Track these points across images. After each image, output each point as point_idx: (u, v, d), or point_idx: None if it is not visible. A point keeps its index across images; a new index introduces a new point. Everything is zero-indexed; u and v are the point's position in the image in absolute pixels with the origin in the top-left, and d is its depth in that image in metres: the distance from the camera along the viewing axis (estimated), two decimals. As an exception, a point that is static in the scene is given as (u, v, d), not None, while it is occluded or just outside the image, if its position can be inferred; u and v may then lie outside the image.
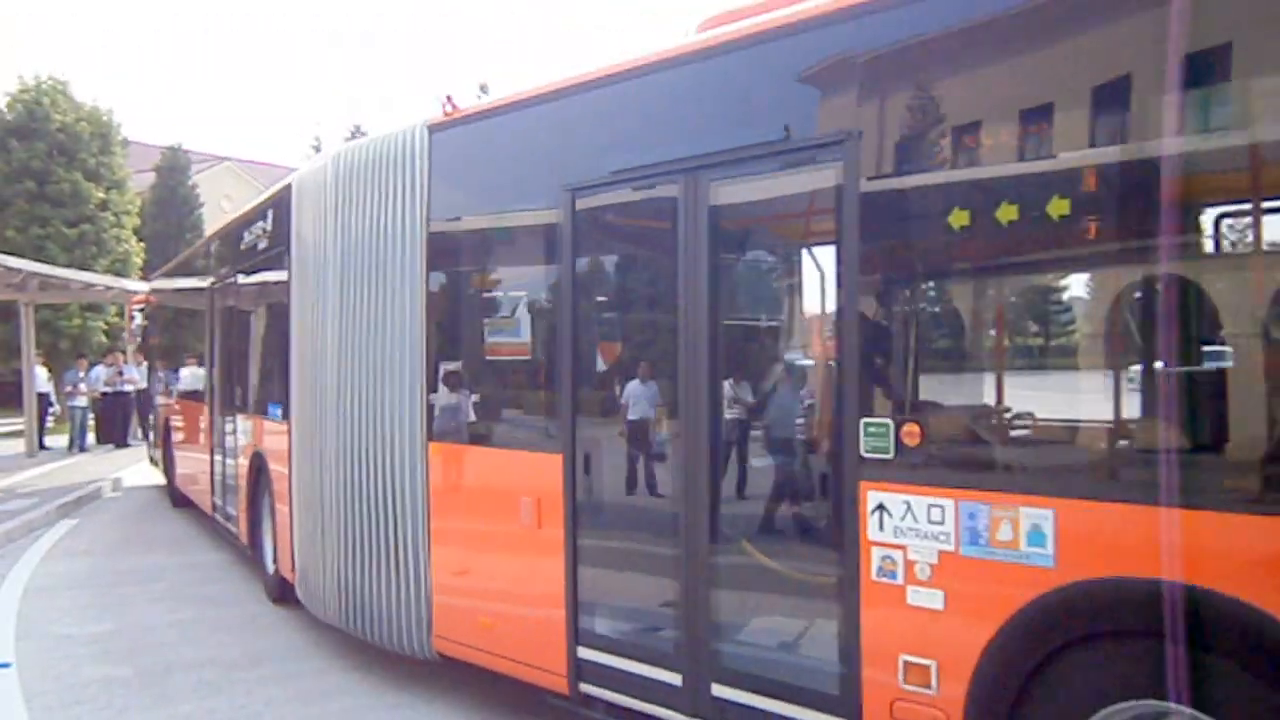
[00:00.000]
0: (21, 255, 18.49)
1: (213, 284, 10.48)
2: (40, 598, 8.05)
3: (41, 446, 18.38)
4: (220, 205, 37.51)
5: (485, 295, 5.73)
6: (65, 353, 23.87)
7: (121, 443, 19.36)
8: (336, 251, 6.17)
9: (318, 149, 34.79)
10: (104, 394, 19.28)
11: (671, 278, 4.31)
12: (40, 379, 18.99)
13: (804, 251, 4.42)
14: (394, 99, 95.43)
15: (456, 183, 5.52)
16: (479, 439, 5.49)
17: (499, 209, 5.38)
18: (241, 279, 9.17)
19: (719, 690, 4.13)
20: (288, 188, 7.17)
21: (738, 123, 4.08)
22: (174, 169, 35.22)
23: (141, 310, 16.28)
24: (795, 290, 4.54)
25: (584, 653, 4.69)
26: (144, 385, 20.65)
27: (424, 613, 5.56)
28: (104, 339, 25.36)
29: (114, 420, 19.58)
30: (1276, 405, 2.90)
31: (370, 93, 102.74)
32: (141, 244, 28.64)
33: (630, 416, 4.87)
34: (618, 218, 4.84)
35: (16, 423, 19.00)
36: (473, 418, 5.57)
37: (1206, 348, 3.17)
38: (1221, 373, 3.11)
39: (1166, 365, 3.03)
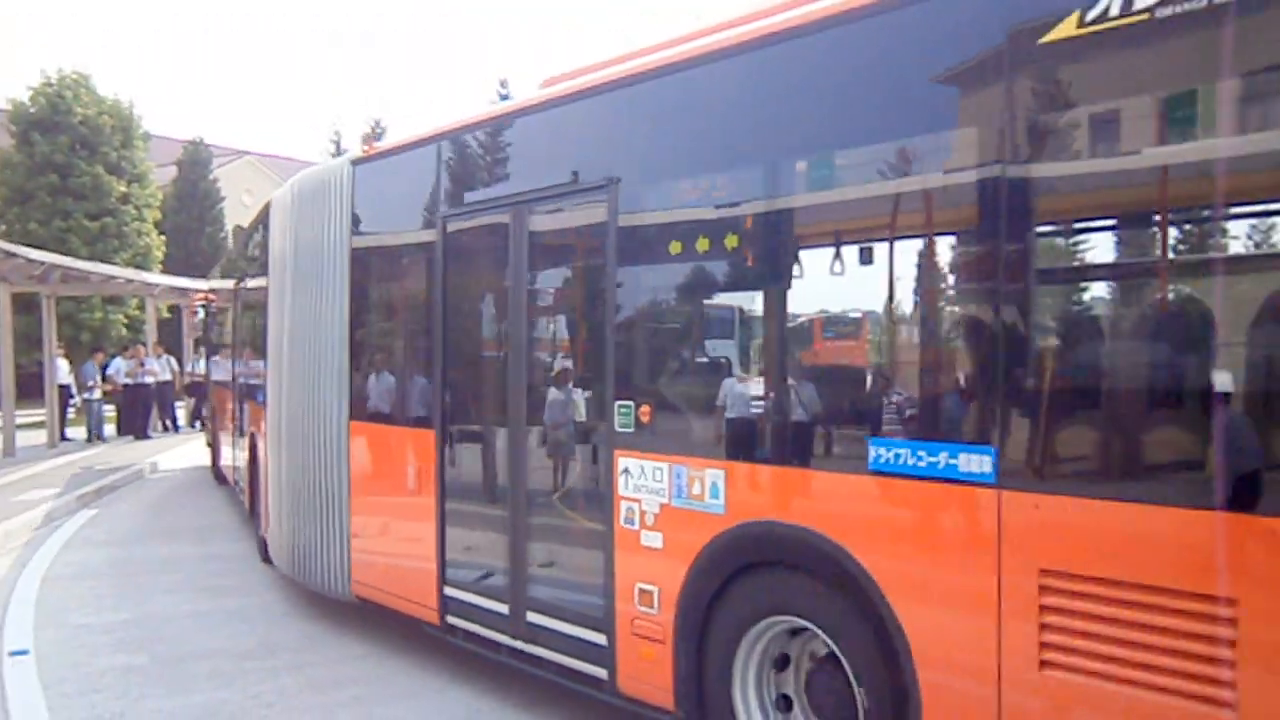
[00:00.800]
0: (43, 248, 18.67)
1: (236, 284, 11.78)
2: (59, 586, 8.16)
3: (63, 438, 18.57)
4: (241, 199, 37.79)
5: (388, 299, 7.00)
6: (86, 345, 24.08)
7: (142, 434, 19.53)
8: (292, 260, 7.42)
9: (338, 144, 34.97)
10: (125, 386, 19.45)
11: (505, 286, 5.45)
12: (61, 371, 19.18)
13: (586, 269, 5.33)
14: (417, 93, 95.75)
15: (372, 207, 6.77)
16: (381, 418, 6.63)
17: (399, 229, 6.57)
18: (249, 281, 10.33)
19: (532, 617, 5.21)
20: (270, 204, 8.33)
21: (546, 168, 5.17)
22: (195, 163, 35.48)
23: (204, 306, 16.92)
24: (584, 298, 5.34)
25: (449, 591, 5.81)
26: (166, 377, 20.90)
27: (345, 563, 6.73)
28: (124, 332, 25.56)
29: (135, 412, 19.74)
30: (847, 393, 4.00)
31: (393, 87, 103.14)
32: (162, 237, 28.85)
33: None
34: (473, 239, 5.83)
35: (38, 414, 19.19)
36: (375, 401, 6.71)
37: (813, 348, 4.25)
38: (833, 369, 4.17)
39: (791, 367, 4.20)
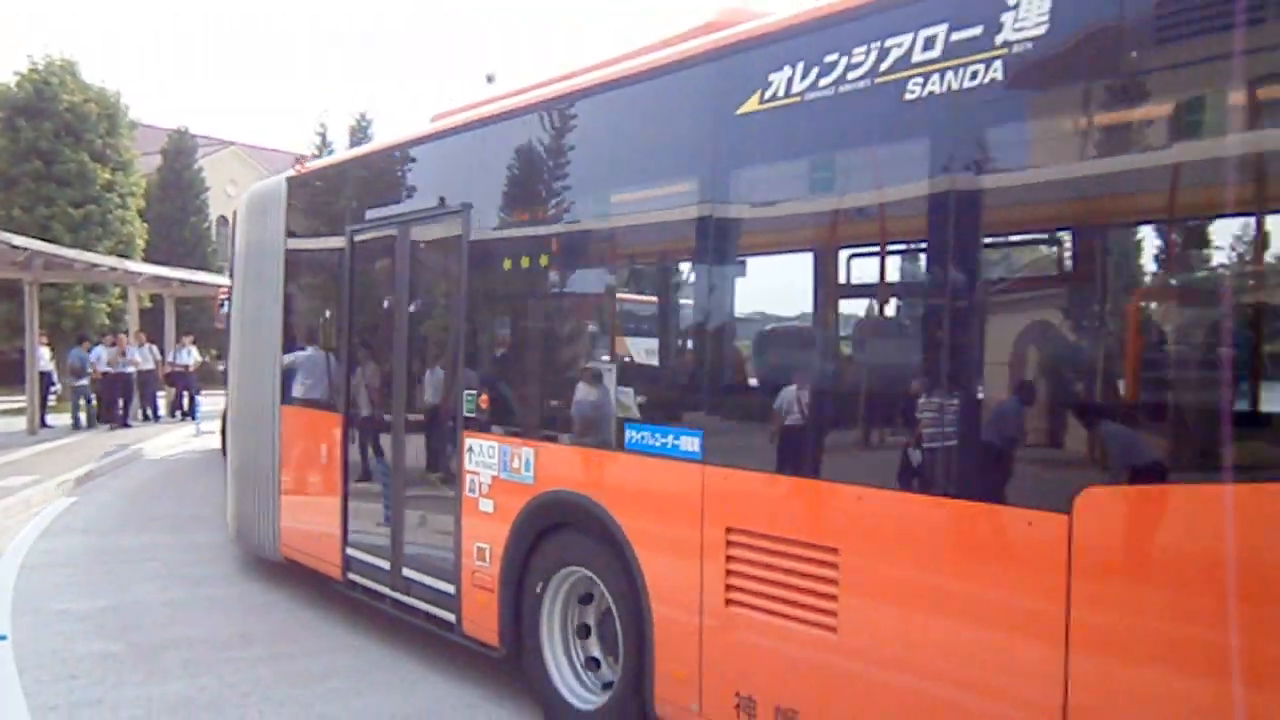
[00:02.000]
0: (26, 234, 18.57)
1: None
2: (37, 573, 8.17)
3: (43, 424, 18.49)
4: (225, 189, 37.66)
5: (311, 296, 7.96)
6: (68, 332, 23.96)
7: (122, 423, 19.44)
8: (243, 260, 8.57)
9: (323, 136, 34.86)
10: (104, 374, 19.37)
11: (394, 290, 6.46)
12: (43, 358, 19.09)
13: (448, 278, 6.13)
14: (408, 89, 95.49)
15: (300, 217, 7.81)
16: (301, 402, 7.64)
17: (320, 237, 7.59)
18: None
19: (406, 571, 6.17)
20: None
21: (422, 193, 6.27)
22: (180, 152, 35.27)
23: (227, 299, 17.01)
24: (453, 300, 6.04)
25: (349, 551, 6.78)
26: (149, 366, 20.81)
27: (276, 528, 7.76)
28: (106, 320, 25.43)
29: (115, 400, 19.66)
30: (613, 386, 4.73)
31: (384, 83, 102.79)
32: (145, 226, 28.71)
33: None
34: (373, 249, 6.82)
35: (18, 400, 19.10)
36: (298, 386, 7.72)
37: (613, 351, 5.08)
38: (604, 367, 4.90)
39: (577, 363, 5.17)
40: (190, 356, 21.84)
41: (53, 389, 21.11)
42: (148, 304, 25.81)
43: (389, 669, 5.99)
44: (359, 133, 33.98)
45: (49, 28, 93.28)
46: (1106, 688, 2.89)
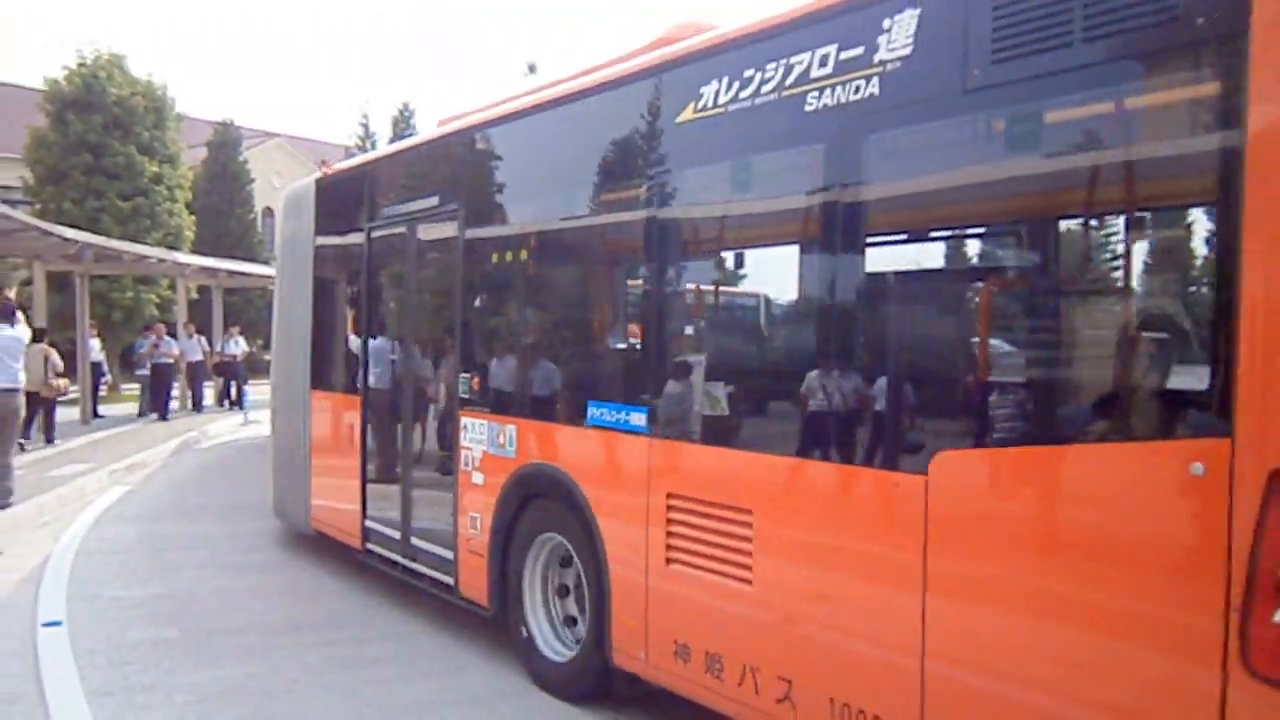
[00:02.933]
0: (77, 227, 18.85)
1: None
2: (91, 561, 8.30)
3: (95, 415, 18.80)
4: (271, 181, 37.96)
5: (335, 287, 8.51)
6: (117, 324, 24.33)
7: (162, 415, 19.40)
8: (281, 255, 9.36)
9: (366, 126, 35.02)
10: (152, 365, 19.52)
11: (404, 282, 7.18)
12: (94, 349, 19.40)
13: (450, 270, 6.58)
14: (448, 77, 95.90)
15: (328, 216, 8.38)
16: (328, 386, 8.26)
17: (343, 233, 8.13)
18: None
19: (414, 540, 6.73)
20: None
21: (427, 194, 6.74)
22: (225, 144, 35.59)
23: None
24: (451, 292, 6.53)
25: (368, 524, 7.35)
26: (197, 357, 21.06)
27: (307, 503, 8.38)
28: (155, 311, 25.76)
29: (156, 391, 19.67)
30: (580, 369, 5.53)
31: (423, 73, 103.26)
32: (193, 218, 29.04)
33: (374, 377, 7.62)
34: (386, 244, 7.44)
35: (71, 391, 19.36)
36: (325, 372, 8.37)
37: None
38: (570, 353, 5.69)
39: (547, 350, 5.81)
40: (238, 346, 22.16)
41: (104, 379, 21.42)
42: (195, 295, 26.13)
43: (436, 656, 6.01)
44: (402, 123, 34.05)
45: (96, 23, 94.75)
46: (957, 627, 3.33)
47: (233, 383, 22.20)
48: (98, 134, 25.39)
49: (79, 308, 18.26)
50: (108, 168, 25.43)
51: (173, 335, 20.66)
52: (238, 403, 21.42)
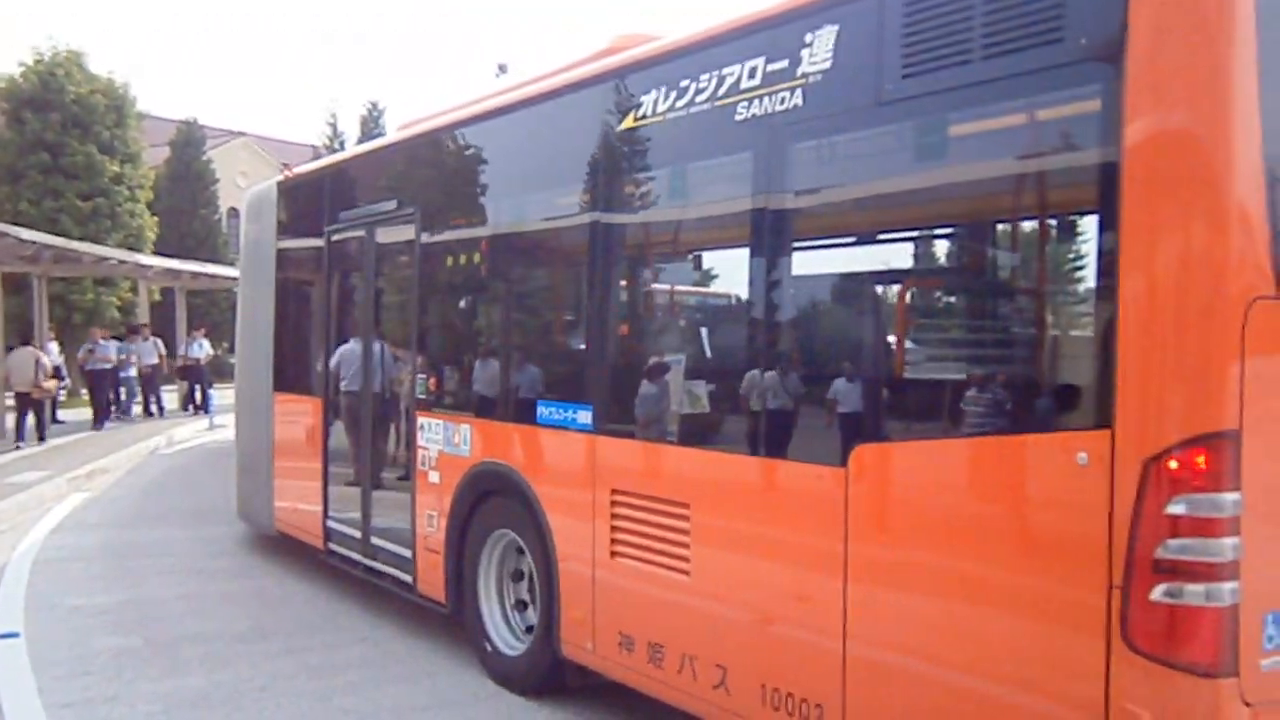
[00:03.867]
0: (35, 228, 18.49)
1: None
2: (50, 569, 8.09)
3: (54, 419, 18.40)
4: (235, 181, 37.50)
5: (297, 289, 8.62)
6: (78, 326, 23.85)
7: (98, 423, 18.31)
8: (245, 257, 9.39)
9: (334, 125, 34.72)
10: (87, 371, 18.93)
11: (364, 285, 7.35)
12: (52, 352, 18.97)
13: (405, 272, 6.79)
14: (416, 77, 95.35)
15: (290, 219, 8.54)
16: (291, 388, 8.32)
17: (304, 236, 8.19)
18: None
19: (374, 539, 6.80)
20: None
21: (384, 198, 6.85)
22: (189, 143, 35.15)
23: None
24: (408, 295, 6.64)
25: (330, 524, 7.40)
26: (153, 361, 20.62)
27: (270, 505, 8.44)
28: (116, 314, 25.34)
29: (93, 398, 18.79)
30: (529, 370, 5.58)
31: (391, 73, 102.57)
32: (155, 218, 28.61)
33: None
34: (347, 247, 7.54)
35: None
36: (288, 374, 8.42)
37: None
38: (521, 355, 5.76)
39: (500, 351, 5.90)
40: (202, 350, 21.66)
41: (63, 384, 20.98)
42: (158, 297, 25.74)
43: (407, 660, 5.89)
44: (371, 123, 33.78)
45: (54, 18, 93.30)
46: (874, 609, 3.50)
47: (197, 386, 21.77)
48: (56, 133, 24.97)
49: (37, 310, 17.91)
50: (66, 167, 25.01)
51: (119, 338, 20.22)
52: (203, 407, 21.04)
